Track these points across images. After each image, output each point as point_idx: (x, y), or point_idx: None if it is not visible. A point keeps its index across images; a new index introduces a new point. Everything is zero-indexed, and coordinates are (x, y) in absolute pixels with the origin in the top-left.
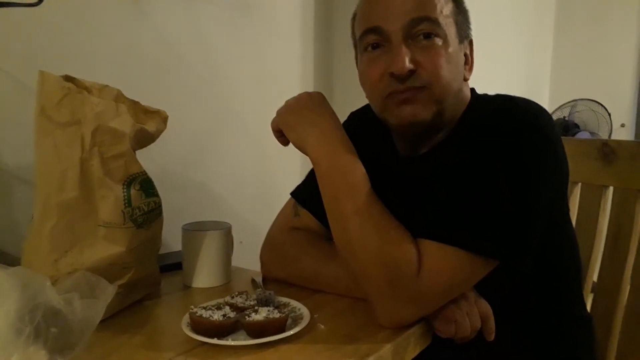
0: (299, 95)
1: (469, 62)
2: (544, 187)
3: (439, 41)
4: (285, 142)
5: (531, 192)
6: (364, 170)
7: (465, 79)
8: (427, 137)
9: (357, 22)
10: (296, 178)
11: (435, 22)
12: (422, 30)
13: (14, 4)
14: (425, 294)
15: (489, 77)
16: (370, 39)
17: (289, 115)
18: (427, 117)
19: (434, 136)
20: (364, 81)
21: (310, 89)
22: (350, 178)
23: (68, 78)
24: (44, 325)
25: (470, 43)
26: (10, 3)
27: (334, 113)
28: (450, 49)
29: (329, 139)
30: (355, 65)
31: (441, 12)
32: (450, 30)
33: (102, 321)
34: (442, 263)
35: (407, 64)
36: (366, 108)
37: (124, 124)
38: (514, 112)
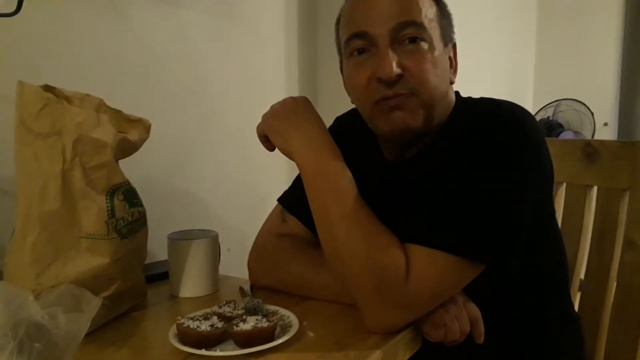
0: (284, 100)
1: (453, 65)
2: (530, 190)
3: (424, 45)
4: (271, 147)
5: (517, 194)
6: (350, 174)
7: (451, 82)
8: (415, 142)
9: (342, 27)
10: (283, 183)
11: (420, 26)
12: (408, 34)
13: None
14: (414, 299)
15: (472, 79)
16: (356, 44)
17: (274, 120)
18: (418, 124)
19: (420, 140)
20: (350, 86)
21: (295, 93)
22: (337, 183)
23: (48, 88)
24: (27, 340)
25: (454, 46)
26: None
27: (319, 117)
28: (436, 53)
29: (315, 144)
30: (339, 70)
31: (426, 16)
32: (435, 34)
33: (87, 334)
34: (431, 268)
35: (395, 68)
36: (352, 112)
37: (106, 133)
38: (498, 115)
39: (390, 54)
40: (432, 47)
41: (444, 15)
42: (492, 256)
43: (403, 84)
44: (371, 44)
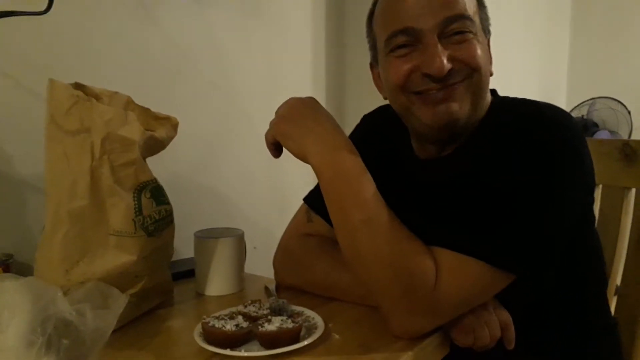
0: (290, 102)
1: (489, 57)
2: (569, 198)
3: (472, 36)
4: (277, 154)
5: (555, 205)
6: (370, 176)
7: (491, 74)
8: (453, 139)
9: (380, 24)
10: (310, 181)
11: (468, 18)
12: (456, 28)
13: (21, 12)
14: (442, 305)
15: (503, 76)
16: (401, 40)
17: (284, 124)
18: (464, 114)
19: (457, 138)
20: (388, 80)
21: (322, 91)
22: (356, 185)
23: (78, 85)
24: (56, 336)
25: (489, 40)
26: (17, 12)
27: (330, 116)
28: (482, 43)
29: (330, 146)
30: (369, 67)
31: (471, 8)
32: (478, 26)
33: (114, 331)
34: (461, 275)
35: (446, 64)
36: (380, 110)
37: (134, 131)
38: (539, 119)
39: (440, 48)
40: (477, 38)
41: (482, 7)
42: (524, 267)
43: (455, 74)
44: (416, 40)
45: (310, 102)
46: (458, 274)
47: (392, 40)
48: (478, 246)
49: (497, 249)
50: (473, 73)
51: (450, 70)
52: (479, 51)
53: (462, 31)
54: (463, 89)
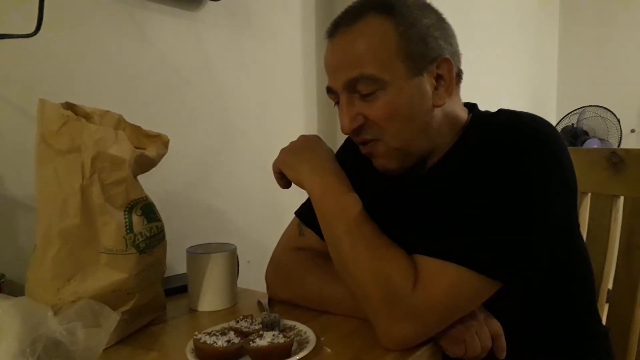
0: (297, 139)
1: (446, 82)
2: (551, 206)
3: (380, 93)
4: (284, 184)
5: (537, 211)
6: (355, 194)
7: (437, 105)
8: (418, 164)
9: None
10: (302, 196)
11: (370, 78)
12: (362, 89)
13: (9, 35)
14: (422, 309)
15: (494, 88)
16: (330, 97)
17: (286, 155)
18: (400, 165)
19: (425, 161)
20: None
21: (314, 106)
22: (341, 201)
23: (68, 105)
24: (45, 357)
25: (445, 61)
26: (5, 35)
27: (328, 149)
28: (399, 94)
29: (321, 169)
30: None
31: (377, 61)
32: (396, 72)
33: (107, 348)
34: (440, 279)
35: (349, 124)
36: None
37: (124, 150)
38: (518, 127)
39: (346, 109)
40: (392, 89)
41: (411, 42)
42: (507, 272)
43: (366, 130)
44: (337, 97)
45: (313, 137)
46: (437, 279)
47: (327, 94)
48: (458, 252)
49: (478, 254)
50: (381, 134)
51: (359, 127)
52: (387, 110)
53: (368, 94)
54: (382, 148)
